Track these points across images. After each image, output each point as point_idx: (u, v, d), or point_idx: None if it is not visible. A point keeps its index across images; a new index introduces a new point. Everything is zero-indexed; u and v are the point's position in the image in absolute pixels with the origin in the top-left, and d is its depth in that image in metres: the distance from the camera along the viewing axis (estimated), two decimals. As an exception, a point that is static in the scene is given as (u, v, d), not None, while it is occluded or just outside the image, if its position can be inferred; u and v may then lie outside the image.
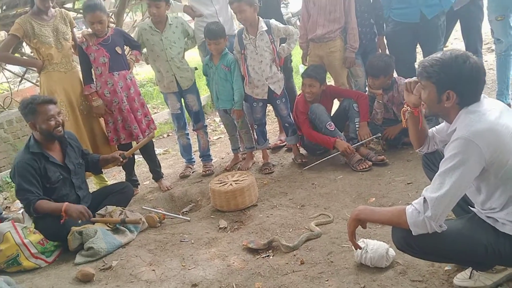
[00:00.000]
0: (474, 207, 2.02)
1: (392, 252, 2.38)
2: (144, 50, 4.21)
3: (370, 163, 3.78)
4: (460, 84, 1.85)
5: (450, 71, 1.85)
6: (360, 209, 2.10)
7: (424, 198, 1.82)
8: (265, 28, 3.92)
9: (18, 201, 4.36)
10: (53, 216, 3.15)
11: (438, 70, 1.87)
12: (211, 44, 3.98)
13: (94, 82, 3.92)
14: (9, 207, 4.63)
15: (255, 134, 4.39)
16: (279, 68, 4.06)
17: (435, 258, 2.05)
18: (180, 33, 4.12)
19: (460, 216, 2.00)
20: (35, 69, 4.71)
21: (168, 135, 6.54)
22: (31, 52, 4.65)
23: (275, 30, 3.94)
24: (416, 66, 4.44)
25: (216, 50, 4.03)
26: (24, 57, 5.92)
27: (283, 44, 4.04)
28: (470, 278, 2.07)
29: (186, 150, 4.56)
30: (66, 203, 3.17)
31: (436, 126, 2.32)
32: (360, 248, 2.27)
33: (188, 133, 4.51)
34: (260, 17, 3.92)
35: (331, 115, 4.22)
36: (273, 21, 3.97)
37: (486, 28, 4.77)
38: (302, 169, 4.04)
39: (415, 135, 2.32)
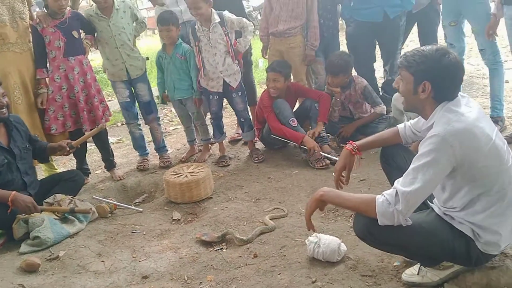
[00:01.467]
0: (432, 203, 2.07)
1: (343, 247, 2.42)
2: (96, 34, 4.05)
3: (328, 162, 3.76)
4: (437, 76, 1.88)
5: (428, 62, 1.88)
6: (325, 190, 2.07)
7: (396, 191, 1.84)
8: (218, 20, 3.86)
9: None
10: (-2, 203, 3.01)
11: (418, 60, 1.90)
12: (162, 30, 3.92)
13: (47, 67, 3.76)
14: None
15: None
16: (236, 61, 4.01)
17: (391, 249, 2.09)
18: (129, 18, 3.98)
19: (419, 210, 2.05)
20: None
21: (122, 124, 6.34)
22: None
23: (228, 22, 3.89)
24: (375, 66, 4.60)
25: (168, 38, 3.95)
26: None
27: (239, 38, 4.00)
28: (418, 274, 2.12)
29: (139, 143, 4.37)
30: (15, 192, 3.03)
31: (412, 120, 2.30)
32: (314, 230, 2.23)
33: (140, 124, 4.33)
34: (213, 9, 3.85)
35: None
36: (226, 13, 3.91)
37: (441, 32, 4.93)
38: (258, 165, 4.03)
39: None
